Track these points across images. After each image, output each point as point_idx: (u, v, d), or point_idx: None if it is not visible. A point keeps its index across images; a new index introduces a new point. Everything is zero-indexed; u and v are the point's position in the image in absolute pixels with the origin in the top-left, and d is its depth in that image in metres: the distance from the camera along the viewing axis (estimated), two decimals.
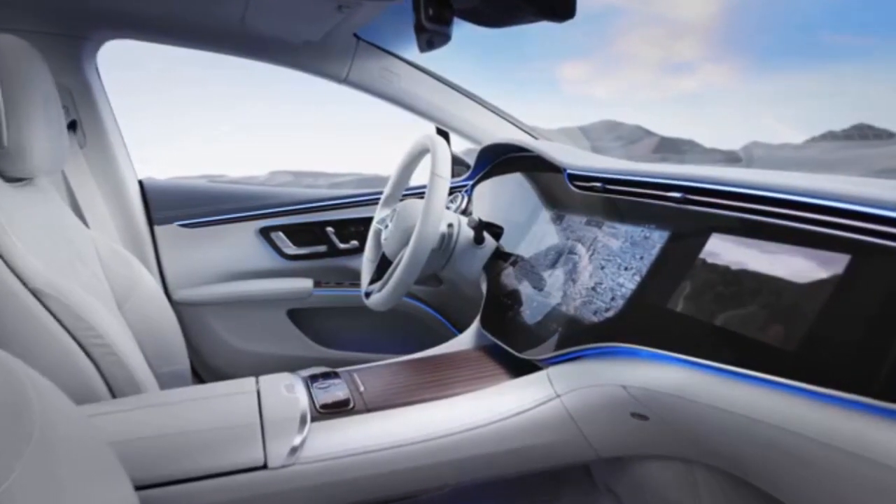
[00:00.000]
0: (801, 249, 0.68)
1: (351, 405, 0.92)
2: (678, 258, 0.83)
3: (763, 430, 0.68)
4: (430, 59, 1.67)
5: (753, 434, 0.70)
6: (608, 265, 0.95)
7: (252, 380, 0.98)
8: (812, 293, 0.65)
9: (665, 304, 0.81)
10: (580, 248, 1.04)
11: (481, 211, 1.47)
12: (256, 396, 0.92)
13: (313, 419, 0.87)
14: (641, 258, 0.89)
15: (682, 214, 0.86)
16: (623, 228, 0.96)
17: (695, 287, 0.78)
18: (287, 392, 0.93)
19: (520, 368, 1.01)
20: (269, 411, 0.87)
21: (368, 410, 0.91)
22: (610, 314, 0.88)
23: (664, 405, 0.81)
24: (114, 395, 0.99)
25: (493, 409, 0.90)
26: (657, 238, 0.88)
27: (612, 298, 0.89)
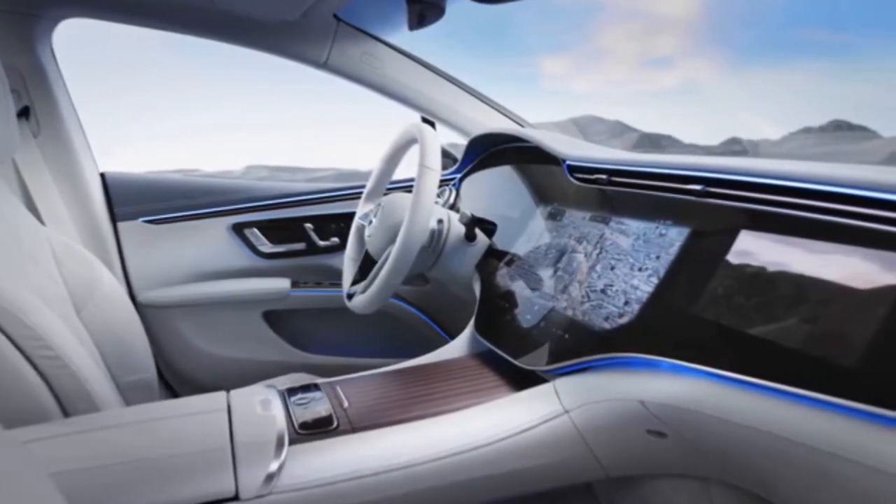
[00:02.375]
0: (849, 249, 0.60)
1: (334, 424, 0.81)
2: (702, 258, 0.75)
3: (798, 450, 0.61)
4: (415, 46, 1.58)
5: (786, 453, 0.63)
6: (619, 265, 0.86)
7: (222, 395, 0.87)
8: (862, 299, 0.57)
9: (688, 310, 0.73)
10: (585, 246, 0.95)
11: (470, 206, 1.38)
12: (227, 415, 0.81)
13: (291, 441, 0.77)
14: (658, 258, 0.80)
15: (703, 209, 0.78)
16: (634, 225, 0.88)
17: (723, 291, 0.70)
18: (262, 409, 0.83)
19: (522, 379, 0.91)
20: (241, 433, 0.77)
21: (354, 430, 0.81)
22: (624, 320, 0.79)
23: (687, 422, 0.73)
24: (66, 414, 0.89)
25: (494, 427, 0.80)
26: (675, 235, 0.80)
27: (626, 303, 0.81)
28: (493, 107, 1.64)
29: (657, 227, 0.83)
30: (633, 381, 0.76)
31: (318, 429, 0.80)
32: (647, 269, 0.81)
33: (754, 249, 0.69)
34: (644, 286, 0.79)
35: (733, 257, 0.71)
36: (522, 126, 1.67)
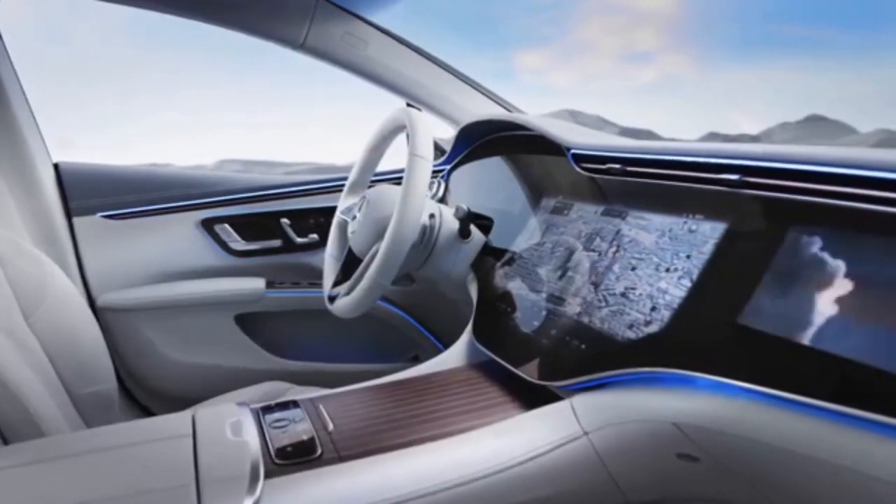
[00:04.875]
0: None
1: (317, 452, 0.70)
2: (743, 258, 0.65)
3: (858, 479, 0.53)
4: (402, 28, 1.47)
5: (843, 482, 0.55)
6: (641, 265, 0.76)
7: (187, 416, 0.75)
8: None
9: (729, 319, 0.63)
10: (599, 244, 0.85)
11: (461, 200, 1.28)
12: (191, 441, 0.70)
13: (268, 474, 0.66)
14: (688, 257, 0.70)
15: (741, 201, 0.68)
16: (657, 219, 0.78)
17: (769, 296, 0.61)
18: (232, 434, 0.71)
19: (531, 395, 0.81)
20: (208, 464, 0.65)
21: (341, 459, 0.69)
22: (652, 329, 0.69)
23: (726, 446, 0.63)
24: (6, 441, 0.77)
25: (504, 452, 0.70)
26: (708, 232, 0.70)
27: (653, 308, 0.71)
28: (485, 94, 1.53)
29: (685, 223, 0.74)
30: (665, 399, 0.66)
31: (298, 458, 0.69)
32: (676, 269, 0.71)
33: (806, 248, 0.60)
34: (674, 290, 0.70)
35: (781, 257, 0.61)
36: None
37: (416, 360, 1.63)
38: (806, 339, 0.56)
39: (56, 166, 1.40)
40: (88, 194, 1.42)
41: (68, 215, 1.40)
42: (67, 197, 1.40)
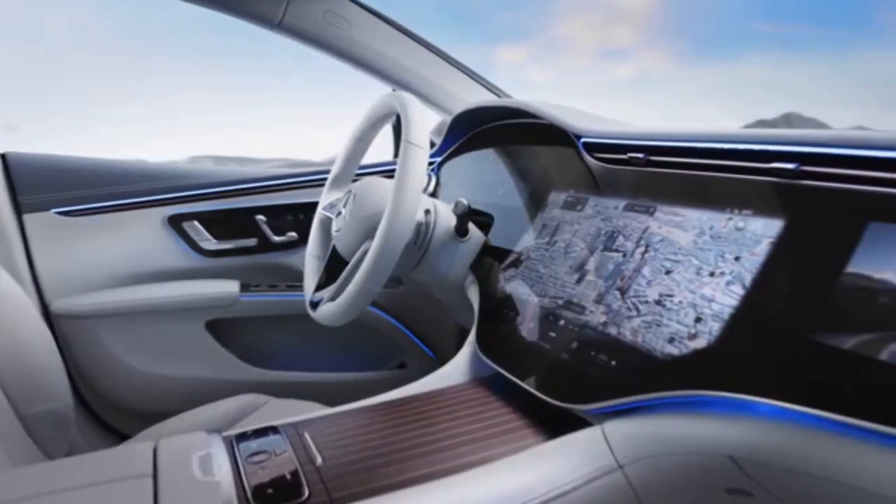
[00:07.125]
0: None
1: (304, 494, 0.59)
2: (809, 260, 0.55)
3: None
4: (391, 9, 1.36)
5: None
6: (678, 268, 0.66)
7: (147, 448, 0.64)
8: None
9: (795, 332, 0.53)
10: (623, 243, 0.75)
11: (455, 196, 1.18)
12: (152, 483, 0.58)
13: None
14: (737, 259, 0.61)
15: (800, 194, 0.59)
16: (693, 215, 0.68)
17: (847, 305, 0.51)
18: (201, 472, 0.59)
19: (553, 419, 0.70)
20: None
21: (332, 502, 0.58)
22: (698, 344, 0.59)
23: (790, 482, 0.54)
24: None
25: (525, 490, 0.59)
26: (760, 230, 0.60)
27: (698, 319, 0.61)
28: (478, 81, 1.43)
29: (729, 219, 0.64)
30: (718, 428, 0.56)
31: (281, 502, 0.58)
32: (722, 274, 0.61)
33: (888, 249, 0.51)
34: (722, 297, 0.60)
35: (856, 260, 0.52)
36: None
37: (403, 367, 1.52)
38: (890, 357, 0.47)
39: (3, 157, 1.27)
40: (41, 188, 1.29)
41: (17, 211, 1.27)
42: (17, 191, 1.27)
